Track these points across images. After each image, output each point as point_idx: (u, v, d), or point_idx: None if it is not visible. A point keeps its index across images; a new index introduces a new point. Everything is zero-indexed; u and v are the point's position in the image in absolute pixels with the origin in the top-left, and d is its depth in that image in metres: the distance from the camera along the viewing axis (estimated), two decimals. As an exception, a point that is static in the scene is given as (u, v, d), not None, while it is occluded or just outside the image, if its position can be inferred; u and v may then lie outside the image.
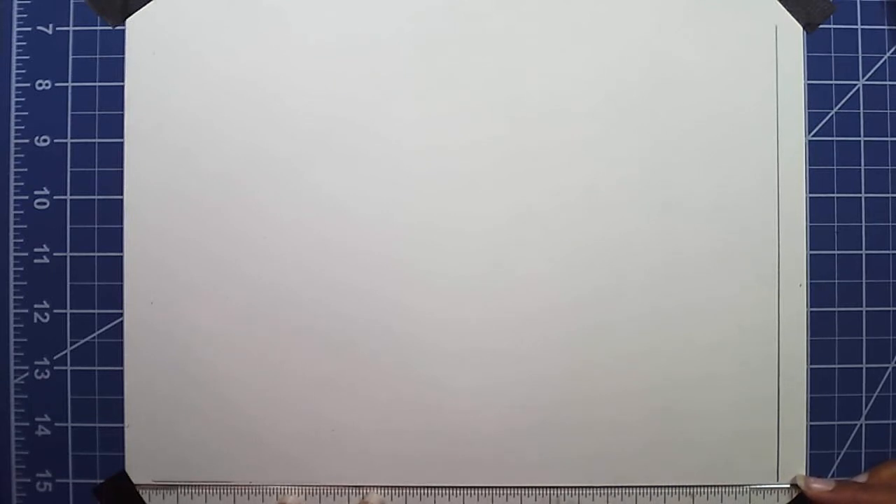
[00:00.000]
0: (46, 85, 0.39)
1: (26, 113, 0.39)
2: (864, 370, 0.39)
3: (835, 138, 0.39)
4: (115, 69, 0.39)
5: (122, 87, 0.39)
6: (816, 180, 0.39)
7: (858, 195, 0.39)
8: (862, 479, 0.38)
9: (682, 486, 0.38)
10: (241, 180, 0.39)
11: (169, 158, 0.39)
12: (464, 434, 0.38)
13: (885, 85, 0.39)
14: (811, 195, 0.39)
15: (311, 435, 0.38)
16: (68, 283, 0.39)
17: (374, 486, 0.39)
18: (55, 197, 0.39)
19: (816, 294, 0.39)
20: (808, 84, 0.39)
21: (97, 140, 0.39)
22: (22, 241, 0.39)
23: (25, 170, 0.39)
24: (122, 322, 0.39)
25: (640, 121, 0.39)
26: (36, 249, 0.39)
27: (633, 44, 0.39)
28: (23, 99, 0.39)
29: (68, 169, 0.39)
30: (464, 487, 0.38)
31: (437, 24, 0.39)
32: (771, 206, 0.39)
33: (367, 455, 0.39)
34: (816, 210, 0.39)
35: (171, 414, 0.38)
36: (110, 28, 0.39)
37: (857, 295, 0.39)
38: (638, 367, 0.38)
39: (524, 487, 0.39)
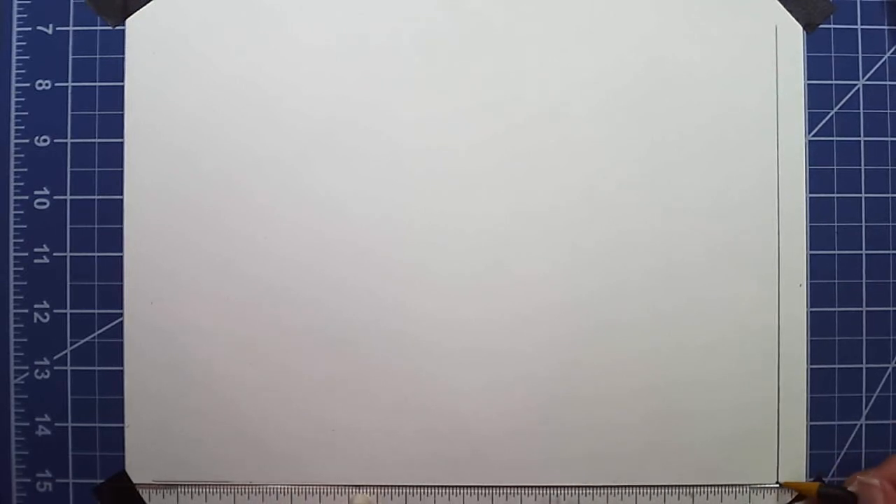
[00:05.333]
0: (46, 85, 0.39)
1: (26, 113, 0.39)
2: (864, 370, 0.39)
3: (835, 138, 0.39)
4: (115, 69, 0.39)
5: (122, 87, 0.39)
6: (816, 180, 0.39)
7: (858, 195, 0.39)
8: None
9: (682, 486, 0.38)
10: (241, 180, 0.39)
11: (169, 158, 0.39)
12: (464, 434, 0.38)
13: (885, 85, 0.39)
14: (811, 195, 0.39)
15: (311, 435, 0.38)
16: (68, 283, 0.39)
17: (373, 486, 0.39)
18: (55, 197, 0.39)
19: (816, 294, 0.39)
20: (808, 84, 0.39)
21: (97, 140, 0.39)
22: (22, 241, 0.39)
23: (25, 170, 0.39)
24: (122, 322, 0.39)
25: (640, 121, 0.39)
26: (36, 249, 0.39)
27: (633, 44, 0.39)
28: (23, 99, 0.39)
29: (68, 169, 0.39)
30: (464, 487, 0.38)
31: (438, 24, 0.39)
32: (771, 206, 0.39)
33: (367, 455, 0.39)
34: (816, 210, 0.39)
35: (171, 414, 0.38)
36: (110, 28, 0.39)
37: (857, 295, 0.39)
38: (638, 366, 0.38)
39: (524, 487, 0.39)
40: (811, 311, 0.39)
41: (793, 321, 0.39)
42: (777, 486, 0.38)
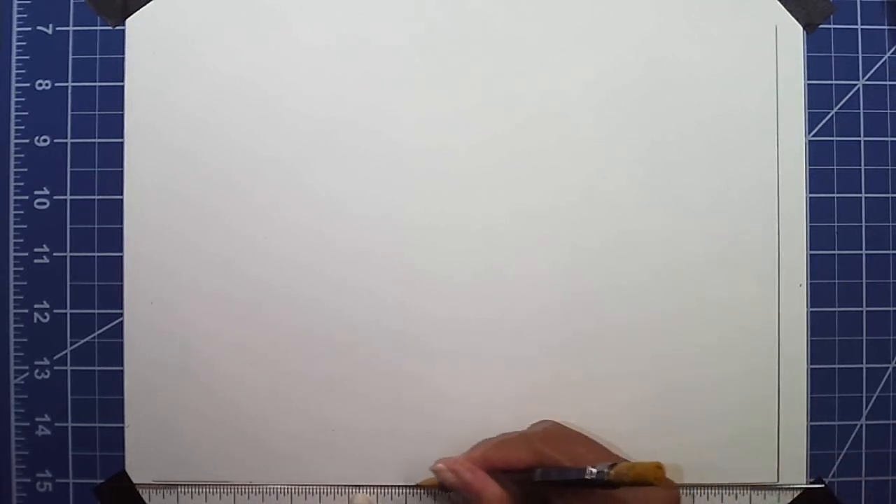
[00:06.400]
0: (46, 85, 0.39)
1: (26, 113, 0.39)
2: (864, 370, 0.39)
3: (835, 138, 0.39)
4: (115, 69, 0.39)
5: (122, 87, 0.39)
6: (816, 180, 0.39)
7: (858, 195, 0.39)
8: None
9: (683, 486, 0.38)
10: (241, 180, 0.39)
11: (169, 158, 0.39)
12: (464, 434, 0.38)
13: (885, 85, 0.39)
14: (811, 195, 0.39)
15: (311, 435, 0.38)
16: (68, 283, 0.39)
17: (373, 486, 0.39)
18: (55, 197, 0.39)
19: (816, 294, 0.39)
20: (808, 84, 0.39)
21: (97, 140, 0.39)
22: (22, 241, 0.39)
23: (25, 170, 0.39)
24: (122, 322, 0.39)
25: (641, 121, 0.39)
26: (36, 249, 0.39)
27: (633, 44, 0.39)
28: (23, 99, 0.39)
29: (68, 169, 0.39)
30: (464, 487, 0.38)
31: (438, 24, 0.39)
32: (771, 206, 0.39)
33: (367, 455, 0.39)
34: (816, 210, 0.39)
35: (171, 414, 0.38)
36: (110, 28, 0.39)
37: (857, 295, 0.39)
38: (638, 366, 0.38)
39: (524, 487, 0.38)
40: (811, 311, 0.39)
41: (793, 321, 0.39)
42: (777, 485, 0.38)
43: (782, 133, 0.39)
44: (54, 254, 0.39)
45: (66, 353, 0.39)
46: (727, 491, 0.38)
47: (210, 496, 0.38)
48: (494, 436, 0.37)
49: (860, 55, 0.39)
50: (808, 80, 0.39)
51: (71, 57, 0.39)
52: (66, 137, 0.39)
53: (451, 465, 0.35)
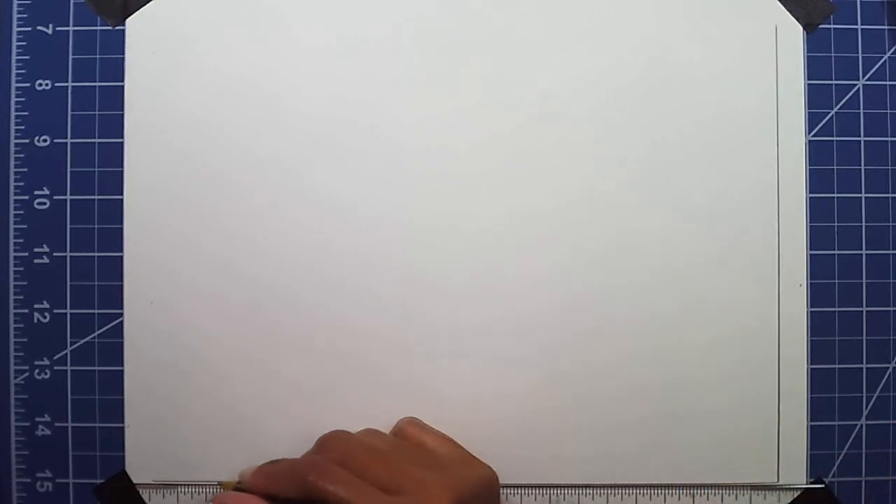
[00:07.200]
0: (46, 85, 0.39)
1: (26, 113, 0.39)
2: (864, 370, 0.39)
3: (835, 138, 0.39)
4: (115, 69, 0.39)
5: (122, 87, 0.39)
6: (816, 180, 0.39)
7: (858, 195, 0.39)
8: None
9: (682, 486, 0.38)
10: (242, 180, 0.39)
11: (169, 158, 0.39)
12: (463, 434, 0.38)
13: (885, 85, 0.39)
14: (811, 195, 0.39)
15: (310, 435, 0.38)
16: (68, 283, 0.39)
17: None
18: (55, 197, 0.39)
19: (816, 294, 0.39)
20: (808, 84, 0.39)
21: (97, 140, 0.39)
22: (22, 241, 0.39)
23: (25, 170, 0.39)
24: (122, 322, 0.39)
25: (640, 121, 0.39)
26: (36, 249, 0.39)
27: (633, 44, 0.39)
28: (23, 99, 0.39)
29: (68, 169, 0.39)
30: (464, 487, 0.38)
31: (438, 24, 0.39)
32: (771, 207, 0.39)
33: (367, 455, 0.38)
34: (816, 210, 0.39)
35: (171, 414, 0.38)
36: (110, 28, 0.39)
37: (857, 295, 0.39)
38: (638, 367, 0.38)
39: (524, 487, 0.39)
40: (811, 311, 0.39)
41: (793, 321, 0.39)
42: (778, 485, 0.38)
43: (782, 133, 0.39)
44: (54, 254, 0.39)
45: (66, 353, 0.39)
46: (727, 491, 0.39)
47: (210, 496, 0.38)
48: (288, 458, 0.36)
49: (860, 55, 0.39)
50: (808, 80, 0.39)
51: (71, 57, 0.39)
52: (66, 137, 0.39)
53: (219, 501, 0.34)
